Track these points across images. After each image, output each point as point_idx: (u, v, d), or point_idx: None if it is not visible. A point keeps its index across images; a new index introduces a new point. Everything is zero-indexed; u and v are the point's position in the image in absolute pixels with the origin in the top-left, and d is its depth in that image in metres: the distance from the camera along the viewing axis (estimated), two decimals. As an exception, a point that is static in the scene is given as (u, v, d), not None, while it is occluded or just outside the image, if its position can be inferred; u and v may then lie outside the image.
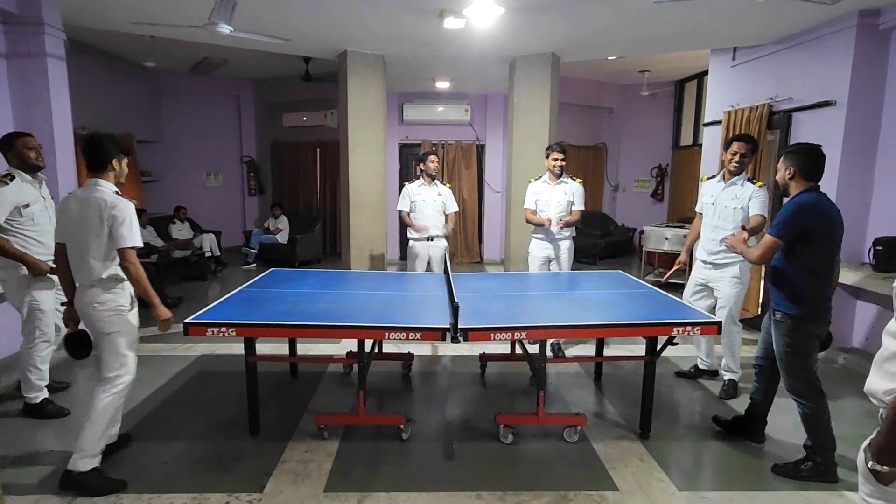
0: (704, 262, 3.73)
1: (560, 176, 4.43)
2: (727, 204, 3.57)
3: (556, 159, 4.38)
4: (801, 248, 2.61)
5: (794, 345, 2.69)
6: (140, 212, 7.13)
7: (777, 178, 2.79)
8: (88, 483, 2.53)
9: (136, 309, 2.76)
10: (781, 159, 2.75)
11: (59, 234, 2.64)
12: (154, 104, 8.59)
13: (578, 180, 4.53)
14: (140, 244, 2.58)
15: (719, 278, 3.66)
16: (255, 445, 3.02)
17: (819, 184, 2.68)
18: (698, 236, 3.86)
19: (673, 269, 3.99)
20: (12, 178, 3.10)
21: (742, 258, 3.16)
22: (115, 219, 2.48)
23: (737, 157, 3.52)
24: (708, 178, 3.86)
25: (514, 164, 6.09)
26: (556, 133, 6.15)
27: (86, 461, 2.54)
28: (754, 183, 3.53)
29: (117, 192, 2.60)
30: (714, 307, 3.75)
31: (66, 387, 3.77)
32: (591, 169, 9.61)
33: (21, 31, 4.07)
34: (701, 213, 3.83)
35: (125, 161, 2.74)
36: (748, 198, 3.50)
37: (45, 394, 3.36)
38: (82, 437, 2.54)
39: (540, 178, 4.56)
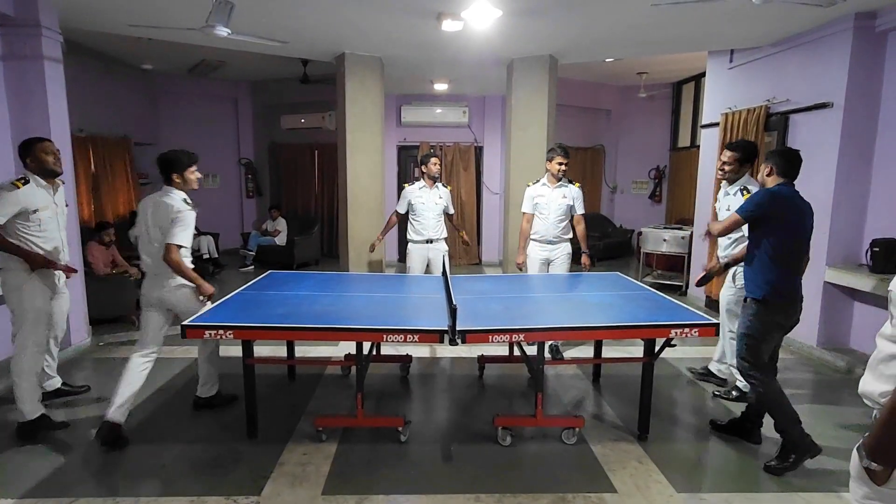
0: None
1: (560, 179, 4.40)
2: (725, 213, 3.59)
3: (561, 163, 4.32)
4: (767, 235, 2.75)
5: (753, 328, 2.81)
6: (136, 214, 7.17)
7: (758, 178, 2.97)
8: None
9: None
10: (764, 161, 2.93)
11: (136, 229, 3.25)
12: (151, 106, 8.58)
13: (577, 185, 4.49)
14: (184, 244, 3.10)
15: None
16: (253, 448, 3.01)
17: (794, 182, 2.83)
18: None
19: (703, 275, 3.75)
20: (26, 181, 3.07)
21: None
22: (175, 221, 3.05)
23: (721, 165, 3.62)
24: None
25: (512, 166, 6.10)
26: (554, 135, 6.16)
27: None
28: (744, 195, 3.41)
29: (185, 200, 3.20)
30: None
31: (84, 390, 3.72)
32: (590, 170, 9.62)
33: (18, 34, 4.07)
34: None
35: (189, 172, 3.30)
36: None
37: (40, 409, 3.14)
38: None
39: (538, 181, 4.51)
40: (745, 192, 3.46)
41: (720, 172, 3.62)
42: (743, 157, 3.54)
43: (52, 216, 3.19)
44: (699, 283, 3.59)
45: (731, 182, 3.60)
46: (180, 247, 3.05)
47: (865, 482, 1.31)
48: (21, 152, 3.19)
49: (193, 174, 3.32)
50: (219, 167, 9.44)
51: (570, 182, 4.47)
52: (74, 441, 3.06)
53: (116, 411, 3.00)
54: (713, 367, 4.01)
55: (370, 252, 5.08)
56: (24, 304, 3.09)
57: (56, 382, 3.63)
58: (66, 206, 3.46)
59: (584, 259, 4.49)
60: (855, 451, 1.34)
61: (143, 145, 8.19)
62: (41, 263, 3.11)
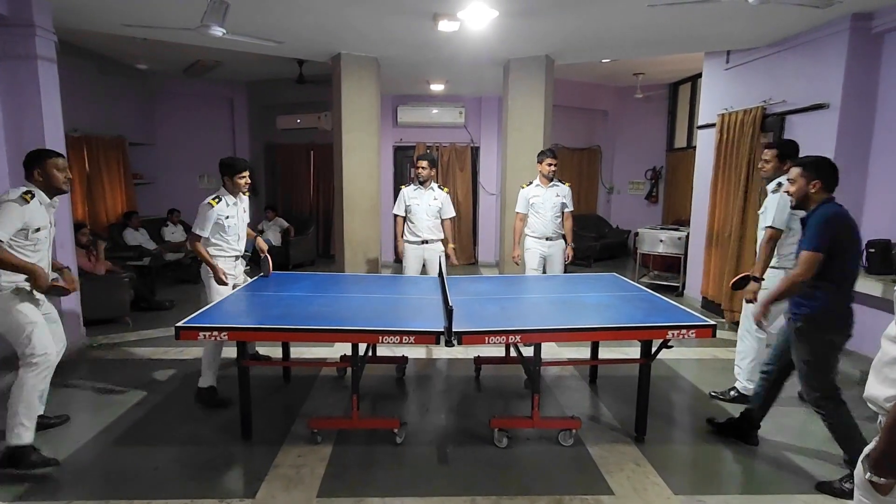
0: None
1: (552, 180, 4.77)
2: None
3: (551, 164, 4.71)
4: (832, 258, 2.54)
5: (815, 353, 2.64)
6: (130, 214, 7.14)
7: (793, 190, 2.72)
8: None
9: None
10: (797, 173, 2.69)
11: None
12: (147, 106, 8.53)
13: (567, 183, 4.89)
14: (202, 234, 3.66)
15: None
16: (248, 450, 2.99)
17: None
18: None
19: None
20: (32, 196, 2.76)
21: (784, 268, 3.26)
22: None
23: (761, 165, 3.55)
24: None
25: (508, 167, 6.09)
26: (550, 135, 6.15)
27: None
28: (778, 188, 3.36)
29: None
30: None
31: (63, 421, 3.30)
32: (586, 171, 9.62)
33: (12, 34, 4.03)
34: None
35: (238, 178, 3.78)
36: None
37: (30, 436, 2.77)
38: None
39: (531, 183, 4.86)
40: (779, 186, 3.31)
41: (762, 171, 3.55)
42: (782, 153, 3.45)
43: (47, 235, 2.91)
44: (735, 287, 3.49)
45: (769, 181, 3.50)
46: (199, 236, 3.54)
47: (870, 493, 1.27)
48: (28, 163, 2.86)
49: (240, 180, 3.80)
50: (214, 167, 9.28)
51: (560, 182, 4.86)
52: (67, 443, 3.03)
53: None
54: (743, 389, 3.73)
55: (400, 253, 4.94)
56: (20, 318, 2.78)
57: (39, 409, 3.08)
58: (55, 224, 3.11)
59: (569, 251, 4.85)
60: (860, 463, 1.30)
61: (139, 145, 8.14)
62: (47, 288, 2.84)
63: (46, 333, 2.87)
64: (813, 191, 2.65)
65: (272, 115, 9.36)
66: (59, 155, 2.95)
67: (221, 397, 3.58)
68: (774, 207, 3.27)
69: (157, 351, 4.56)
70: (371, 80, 5.97)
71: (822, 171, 2.65)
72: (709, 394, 3.78)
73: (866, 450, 1.29)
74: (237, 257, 3.85)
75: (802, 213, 2.79)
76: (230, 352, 4.29)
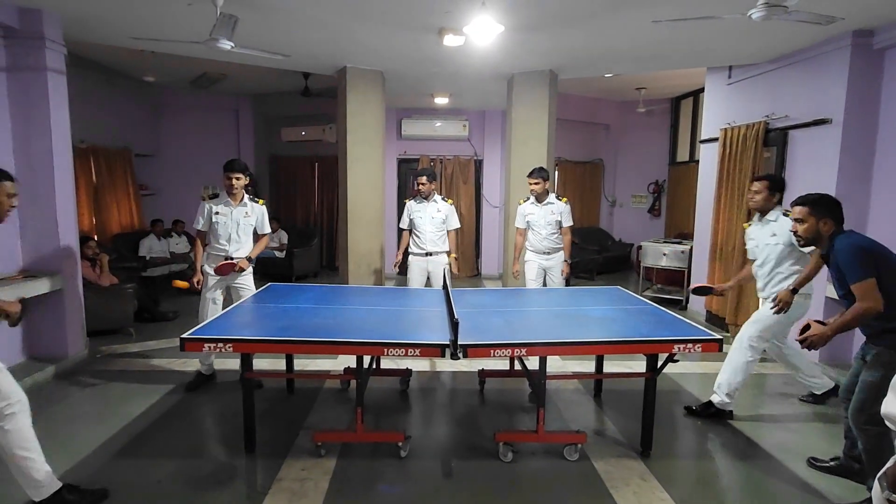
0: (764, 298, 3.68)
1: (541, 198, 4.82)
2: (768, 241, 3.54)
3: (531, 184, 4.79)
4: (882, 281, 2.49)
5: (886, 378, 2.46)
6: (155, 222, 7.22)
7: (802, 231, 2.73)
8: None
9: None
10: (806, 212, 2.70)
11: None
12: (153, 118, 8.61)
13: (564, 200, 4.91)
14: (196, 227, 4.01)
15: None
16: (251, 463, 2.97)
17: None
18: (747, 279, 3.84)
19: (708, 287, 3.88)
20: None
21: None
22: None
23: (751, 196, 3.61)
24: (749, 224, 3.78)
25: (511, 180, 6.11)
26: (553, 149, 6.18)
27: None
28: (788, 216, 3.36)
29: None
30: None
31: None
32: (589, 184, 9.66)
33: (22, 46, 4.09)
34: (751, 260, 3.76)
35: (225, 178, 4.05)
36: (786, 232, 3.37)
37: (55, 485, 2.45)
38: None
39: (528, 199, 4.96)
40: (787, 214, 3.33)
41: (752, 202, 3.61)
42: (772, 186, 3.53)
43: None
44: (695, 292, 3.84)
45: (763, 213, 3.56)
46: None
47: None
48: None
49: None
50: (219, 179, 9.39)
51: (558, 197, 4.91)
52: (69, 455, 3.01)
53: None
54: (810, 386, 3.87)
55: (395, 267, 5.07)
56: None
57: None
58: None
59: (564, 267, 4.90)
60: (876, 483, 1.29)
61: (144, 156, 8.20)
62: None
63: (8, 375, 2.39)
64: (824, 228, 2.67)
65: (277, 127, 9.43)
66: (9, 178, 2.44)
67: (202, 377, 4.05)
68: None
69: (161, 362, 4.55)
70: (376, 94, 6.02)
71: (831, 208, 2.67)
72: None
73: (882, 469, 1.28)
74: (226, 258, 4.00)
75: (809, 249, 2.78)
76: (225, 364, 4.30)
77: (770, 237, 3.52)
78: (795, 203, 2.78)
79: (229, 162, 4.05)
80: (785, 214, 3.46)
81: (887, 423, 1.33)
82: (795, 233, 2.80)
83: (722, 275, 5.60)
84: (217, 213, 4.01)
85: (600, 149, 9.77)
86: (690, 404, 3.75)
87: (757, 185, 3.58)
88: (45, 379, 4.11)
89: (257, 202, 4.19)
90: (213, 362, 4.18)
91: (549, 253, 4.86)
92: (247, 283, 4.14)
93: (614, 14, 4.00)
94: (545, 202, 4.82)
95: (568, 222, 4.84)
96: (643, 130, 9.50)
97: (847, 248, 2.55)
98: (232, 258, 3.99)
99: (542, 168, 4.83)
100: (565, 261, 4.89)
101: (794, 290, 3.27)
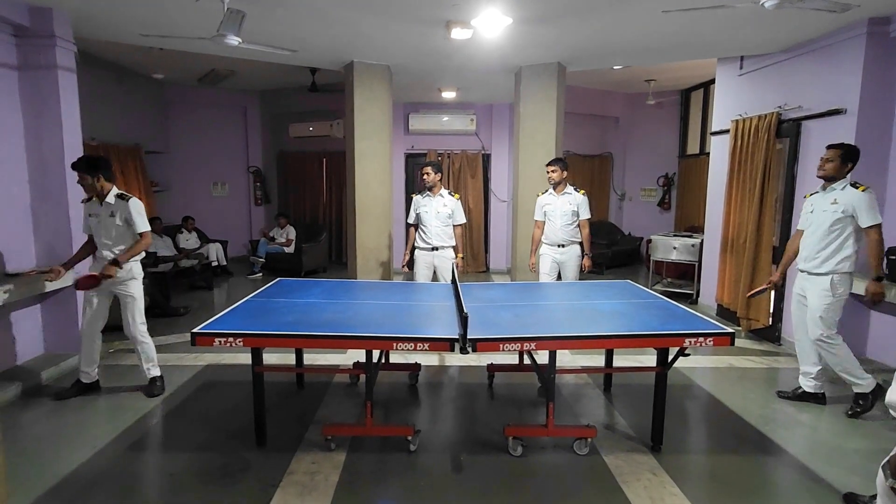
0: (801, 270, 3.65)
1: (556, 187, 4.83)
2: (826, 209, 3.48)
3: (549, 171, 4.82)
4: None
5: None
6: (154, 220, 7.24)
7: (830, 168, 3.33)
8: None
9: None
10: (839, 153, 3.30)
11: None
12: (162, 115, 8.66)
13: (582, 192, 4.90)
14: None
15: (810, 288, 3.58)
16: (262, 456, 2.99)
17: None
18: (794, 256, 3.76)
19: (762, 288, 3.94)
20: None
21: (837, 272, 3.42)
22: None
23: (822, 164, 3.51)
24: (811, 194, 3.71)
25: (520, 174, 6.08)
26: (562, 142, 6.14)
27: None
28: (857, 187, 3.40)
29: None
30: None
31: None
32: (598, 178, 9.59)
33: (33, 44, 4.12)
34: (800, 230, 3.74)
35: None
36: (849, 202, 3.38)
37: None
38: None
39: (546, 190, 4.95)
40: (856, 186, 3.38)
41: (820, 171, 3.51)
42: (845, 155, 3.43)
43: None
44: (751, 295, 3.86)
45: (830, 181, 3.48)
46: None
47: (892, 501, 1.26)
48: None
49: None
50: (228, 175, 9.50)
51: (576, 189, 4.91)
52: (82, 449, 3.05)
53: None
54: (808, 387, 3.74)
55: (403, 268, 4.99)
56: None
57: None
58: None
59: (586, 261, 4.87)
60: (880, 470, 1.29)
61: (154, 153, 8.26)
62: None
63: None
64: (846, 170, 3.11)
65: (285, 123, 9.47)
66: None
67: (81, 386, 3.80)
68: (873, 206, 3.33)
69: (172, 357, 4.59)
70: (383, 88, 6.01)
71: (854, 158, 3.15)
72: (846, 413, 3.54)
73: (888, 457, 1.28)
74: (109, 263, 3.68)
75: None
76: (236, 359, 4.33)
77: (830, 204, 3.45)
78: (830, 146, 3.31)
79: (74, 162, 3.64)
80: (854, 185, 3.41)
81: (892, 411, 1.35)
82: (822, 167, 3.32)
83: (733, 269, 5.54)
84: (90, 214, 3.69)
85: (609, 142, 9.70)
86: (852, 407, 3.54)
87: (829, 153, 3.48)
88: (61, 373, 4.17)
89: (127, 198, 3.66)
90: (98, 373, 3.87)
91: (563, 245, 4.80)
92: (130, 289, 3.73)
93: (623, 5, 3.95)
94: (563, 192, 4.82)
95: (586, 214, 4.83)
96: (653, 123, 9.41)
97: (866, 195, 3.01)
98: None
99: (560, 158, 4.95)
100: (586, 254, 4.86)
101: (879, 279, 3.34)
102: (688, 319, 3.11)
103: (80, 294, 4.33)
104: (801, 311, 3.70)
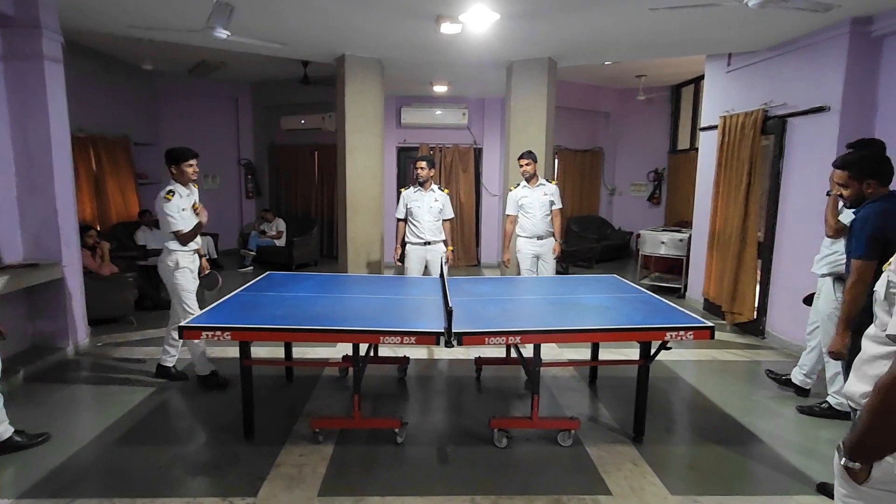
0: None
1: (530, 180, 4.90)
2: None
3: (522, 165, 4.86)
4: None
5: None
6: (144, 213, 7.19)
7: (847, 195, 2.58)
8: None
9: None
10: (846, 177, 2.54)
11: None
12: (152, 106, 8.59)
13: (554, 182, 5.07)
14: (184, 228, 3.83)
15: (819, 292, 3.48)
16: (250, 449, 3.02)
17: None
18: None
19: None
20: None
21: (835, 274, 3.26)
22: None
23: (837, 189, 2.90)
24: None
25: (511, 168, 6.10)
26: (552, 137, 6.17)
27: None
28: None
29: None
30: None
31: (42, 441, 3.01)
32: (588, 173, 9.64)
33: (18, 34, 4.08)
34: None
35: (185, 166, 4.10)
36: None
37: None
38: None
39: (518, 185, 5.02)
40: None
41: (844, 200, 3.12)
42: (850, 174, 2.99)
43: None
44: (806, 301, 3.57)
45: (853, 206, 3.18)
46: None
47: (847, 481, 1.32)
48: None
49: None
50: (219, 168, 9.44)
51: (548, 180, 5.04)
52: (70, 441, 3.07)
53: None
54: (797, 379, 3.78)
55: (396, 262, 5.04)
56: None
57: (6, 432, 2.90)
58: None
59: (556, 246, 4.97)
60: (836, 452, 1.35)
61: (143, 145, 8.19)
62: None
63: None
64: (869, 190, 2.49)
65: (276, 115, 9.41)
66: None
67: (223, 377, 3.91)
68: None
69: (160, 350, 4.58)
70: (375, 82, 6.00)
71: (874, 168, 2.47)
72: (796, 408, 3.58)
73: (844, 438, 1.34)
74: (195, 251, 3.98)
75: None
76: (224, 352, 4.35)
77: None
78: (835, 165, 2.62)
79: (188, 149, 4.03)
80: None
81: (848, 402, 1.42)
82: (842, 197, 2.63)
83: (719, 263, 5.62)
84: (183, 209, 3.93)
85: (600, 137, 9.74)
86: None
87: (840, 178, 2.88)
88: (47, 367, 4.17)
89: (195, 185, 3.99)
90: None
91: (542, 238, 4.90)
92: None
93: (610, 1, 3.97)
94: (537, 184, 4.91)
95: (559, 204, 4.95)
96: (643, 118, 9.45)
97: (859, 217, 2.42)
98: None
99: (530, 151, 4.97)
100: (557, 241, 4.96)
101: None
102: (670, 314, 3.16)
103: (75, 286, 4.36)
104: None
